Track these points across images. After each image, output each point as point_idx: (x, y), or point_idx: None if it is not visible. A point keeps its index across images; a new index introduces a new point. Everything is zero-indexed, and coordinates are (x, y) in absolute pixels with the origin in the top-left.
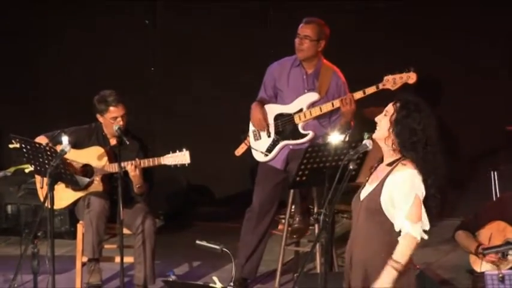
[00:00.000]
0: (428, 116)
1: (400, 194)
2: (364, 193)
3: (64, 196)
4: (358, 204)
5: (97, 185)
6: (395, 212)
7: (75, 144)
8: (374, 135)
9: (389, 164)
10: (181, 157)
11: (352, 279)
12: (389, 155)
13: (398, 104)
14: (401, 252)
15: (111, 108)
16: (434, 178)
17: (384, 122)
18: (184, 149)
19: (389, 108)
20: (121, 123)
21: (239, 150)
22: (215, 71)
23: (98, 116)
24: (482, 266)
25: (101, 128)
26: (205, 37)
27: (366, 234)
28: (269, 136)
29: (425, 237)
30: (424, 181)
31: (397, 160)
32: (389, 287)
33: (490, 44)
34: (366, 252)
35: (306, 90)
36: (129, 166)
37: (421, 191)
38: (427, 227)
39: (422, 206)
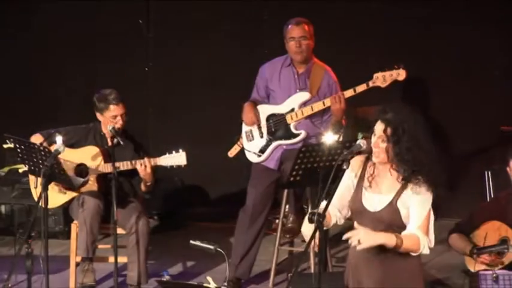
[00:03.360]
0: (415, 123)
1: (416, 207)
2: (371, 201)
3: (58, 195)
4: (365, 212)
5: (91, 185)
6: (409, 220)
7: (72, 144)
8: (378, 161)
9: (400, 179)
10: (177, 158)
11: (366, 281)
12: (393, 170)
13: (389, 130)
14: (406, 243)
15: (112, 106)
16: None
17: (382, 147)
18: (181, 150)
19: (381, 134)
20: (120, 122)
21: (232, 152)
22: (210, 71)
23: (98, 114)
24: (477, 266)
25: (98, 127)
26: (200, 37)
27: None
28: (262, 137)
29: (427, 252)
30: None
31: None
32: (384, 242)
33: (484, 44)
34: (389, 255)
35: (297, 90)
36: (140, 166)
37: (430, 204)
38: (432, 244)
39: (432, 221)
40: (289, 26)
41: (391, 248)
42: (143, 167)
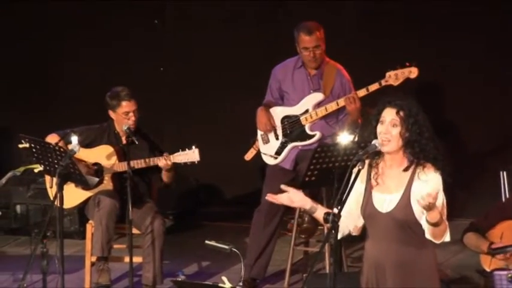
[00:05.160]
0: (419, 107)
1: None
2: (381, 202)
3: (74, 196)
4: (377, 214)
5: (107, 184)
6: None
7: (87, 144)
8: (387, 149)
9: (406, 169)
10: (190, 155)
11: (384, 282)
12: (398, 161)
13: (402, 113)
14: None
15: (123, 103)
16: (448, 166)
17: (395, 133)
18: (193, 147)
19: (395, 118)
20: (133, 118)
21: (248, 155)
22: (226, 71)
23: (110, 112)
24: (492, 265)
25: (112, 126)
26: (215, 37)
27: (401, 240)
28: (277, 139)
29: (449, 239)
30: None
31: (411, 163)
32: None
33: (496, 42)
34: (403, 256)
35: (311, 91)
36: (162, 162)
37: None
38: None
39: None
40: (302, 34)
41: (432, 222)
42: (165, 163)
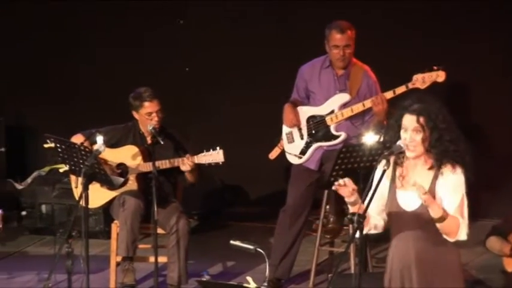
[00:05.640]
0: (441, 107)
1: (451, 191)
2: (406, 201)
3: (99, 196)
4: (402, 212)
5: (131, 184)
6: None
7: (112, 144)
8: (413, 155)
9: (430, 168)
10: (215, 156)
11: (409, 282)
12: (422, 161)
13: (422, 119)
14: (449, 219)
15: (146, 103)
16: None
17: (418, 139)
18: (218, 148)
19: (417, 125)
20: (156, 118)
21: (273, 154)
22: (250, 70)
23: (134, 113)
24: None
25: (137, 126)
26: (240, 36)
27: (426, 238)
28: (302, 138)
29: (465, 238)
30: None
31: (435, 163)
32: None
33: None
34: (428, 255)
35: (337, 91)
36: (184, 167)
37: (464, 189)
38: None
39: (466, 205)
40: (333, 32)
41: (436, 218)
42: (189, 162)
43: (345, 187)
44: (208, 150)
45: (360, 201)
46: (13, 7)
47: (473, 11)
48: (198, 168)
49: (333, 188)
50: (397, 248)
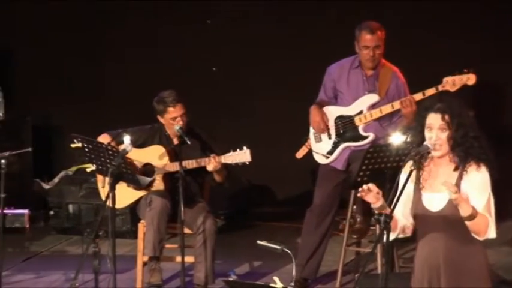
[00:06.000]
0: (462, 105)
1: (477, 189)
2: (432, 202)
3: (125, 195)
4: (428, 214)
5: (158, 184)
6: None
7: (138, 144)
8: (440, 154)
9: (455, 169)
10: (242, 155)
11: (437, 282)
12: (447, 161)
13: (447, 117)
14: (478, 217)
15: (170, 109)
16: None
17: (444, 137)
18: (245, 147)
19: (442, 123)
20: (180, 123)
21: (300, 153)
22: (278, 69)
23: (159, 117)
24: None
25: (163, 128)
26: (267, 36)
27: (452, 238)
28: (330, 138)
29: (494, 236)
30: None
31: (460, 162)
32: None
33: None
34: (455, 255)
35: (366, 92)
36: (210, 166)
37: (490, 187)
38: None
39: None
40: (363, 33)
41: (466, 216)
42: (214, 162)
43: (369, 192)
44: (235, 150)
45: (386, 205)
46: (42, 7)
47: (504, 10)
48: (225, 168)
49: (358, 195)
50: (424, 248)
